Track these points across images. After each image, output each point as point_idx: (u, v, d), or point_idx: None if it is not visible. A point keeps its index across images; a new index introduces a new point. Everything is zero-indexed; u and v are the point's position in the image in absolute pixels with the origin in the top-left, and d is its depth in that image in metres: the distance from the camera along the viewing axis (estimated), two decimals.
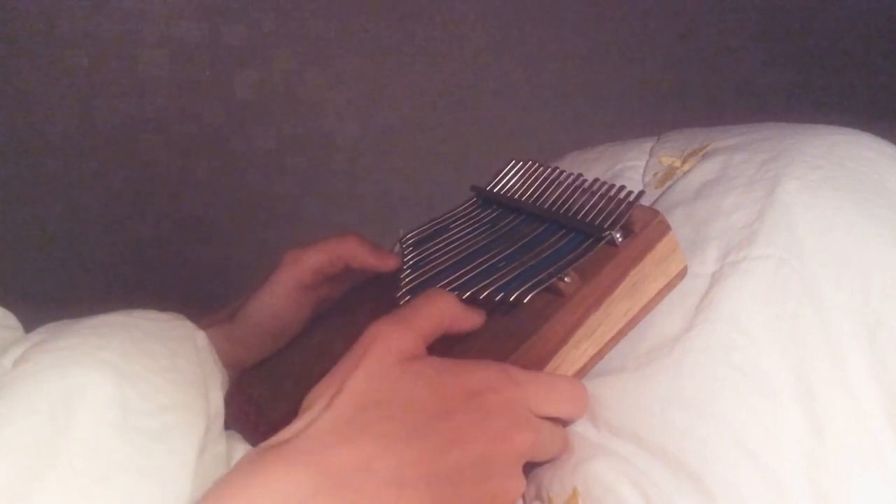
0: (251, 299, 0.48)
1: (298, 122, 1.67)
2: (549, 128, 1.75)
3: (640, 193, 0.39)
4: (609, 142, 0.55)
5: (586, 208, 0.41)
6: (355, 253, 0.48)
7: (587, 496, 0.36)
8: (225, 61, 1.62)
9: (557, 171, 0.45)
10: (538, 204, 0.44)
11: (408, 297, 0.43)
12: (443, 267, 0.44)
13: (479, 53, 1.73)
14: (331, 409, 0.32)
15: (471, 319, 0.39)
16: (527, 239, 0.43)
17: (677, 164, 0.46)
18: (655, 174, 0.47)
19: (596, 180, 0.42)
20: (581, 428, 0.38)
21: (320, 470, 0.30)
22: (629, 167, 0.49)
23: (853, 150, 0.41)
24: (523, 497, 0.40)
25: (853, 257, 0.36)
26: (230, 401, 0.44)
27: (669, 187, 0.45)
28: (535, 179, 0.46)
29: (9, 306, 0.41)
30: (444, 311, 0.37)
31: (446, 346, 0.39)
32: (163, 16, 1.58)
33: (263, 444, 0.32)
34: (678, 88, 1.81)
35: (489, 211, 0.48)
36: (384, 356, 0.34)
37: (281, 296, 0.48)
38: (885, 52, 1.86)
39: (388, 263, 0.48)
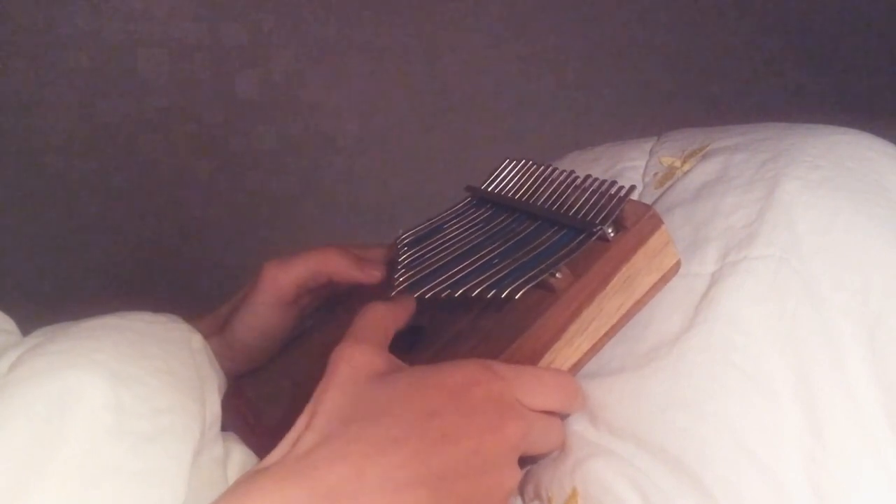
0: (234, 319, 0.48)
1: (298, 122, 1.67)
2: (549, 128, 1.74)
3: (632, 188, 0.39)
4: (609, 142, 0.55)
5: (578, 204, 0.41)
6: (337, 267, 0.48)
7: (586, 496, 0.36)
8: (225, 61, 1.62)
9: (551, 168, 0.45)
10: (532, 202, 0.44)
11: None
12: (436, 266, 0.44)
13: (479, 53, 1.72)
14: (311, 428, 0.32)
15: (405, 310, 0.41)
16: (520, 236, 0.43)
17: (677, 164, 0.46)
18: (655, 174, 0.47)
19: (588, 177, 0.42)
20: (580, 428, 0.38)
21: (312, 485, 0.30)
22: (629, 167, 0.49)
23: (853, 150, 0.41)
24: (522, 496, 0.40)
25: (853, 257, 0.36)
26: (228, 403, 0.44)
27: (669, 187, 0.45)
28: (529, 178, 0.46)
29: (9, 305, 0.41)
30: (382, 315, 0.39)
31: (438, 346, 0.39)
32: (163, 16, 1.58)
33: (251, 470, 0.32)
34: (678, 88, 1.81)
35: (483, 210, 0.48)
36: (353, 372, 0.34)
37: (262, 315, 0.47)
38: (885, 52, 1.86)
39: (372, 276, 0.48)
